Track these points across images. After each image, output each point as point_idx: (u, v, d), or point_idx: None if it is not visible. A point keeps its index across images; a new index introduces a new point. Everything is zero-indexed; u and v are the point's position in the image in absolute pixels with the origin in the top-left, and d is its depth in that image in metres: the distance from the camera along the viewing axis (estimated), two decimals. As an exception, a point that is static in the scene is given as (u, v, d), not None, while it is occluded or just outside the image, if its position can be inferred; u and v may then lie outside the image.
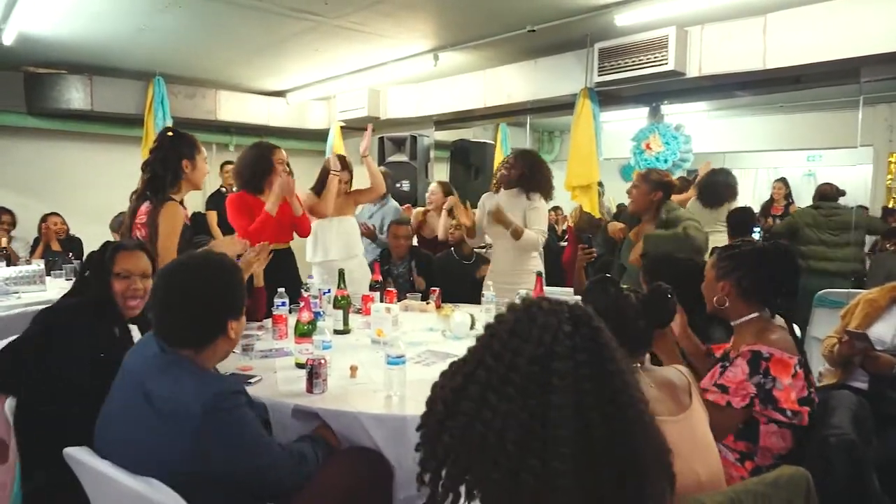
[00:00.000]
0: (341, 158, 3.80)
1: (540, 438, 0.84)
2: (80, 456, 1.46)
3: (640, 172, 3.39)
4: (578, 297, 1.58)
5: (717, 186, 4.65)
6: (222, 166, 6.14)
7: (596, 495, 0.85)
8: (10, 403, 1.74)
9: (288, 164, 3.40)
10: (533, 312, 0.93)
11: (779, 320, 1.90)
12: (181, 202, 2.70)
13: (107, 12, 4.10)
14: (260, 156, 3.33)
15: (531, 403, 0.85)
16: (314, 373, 1.95)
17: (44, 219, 5.22)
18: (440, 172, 6.93)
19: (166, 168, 2.65)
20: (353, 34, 4.56)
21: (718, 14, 3.82)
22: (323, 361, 1.98)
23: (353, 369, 2.19)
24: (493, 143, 6.61)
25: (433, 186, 4.84)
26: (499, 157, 6.51)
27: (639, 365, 1.54)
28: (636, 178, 3.32)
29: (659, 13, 3.72)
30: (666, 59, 3.90)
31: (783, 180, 6.07)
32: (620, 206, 5.00)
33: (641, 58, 4.02)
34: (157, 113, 5.78)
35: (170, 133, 2.78)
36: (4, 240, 4.70)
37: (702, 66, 3.97)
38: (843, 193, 4.77)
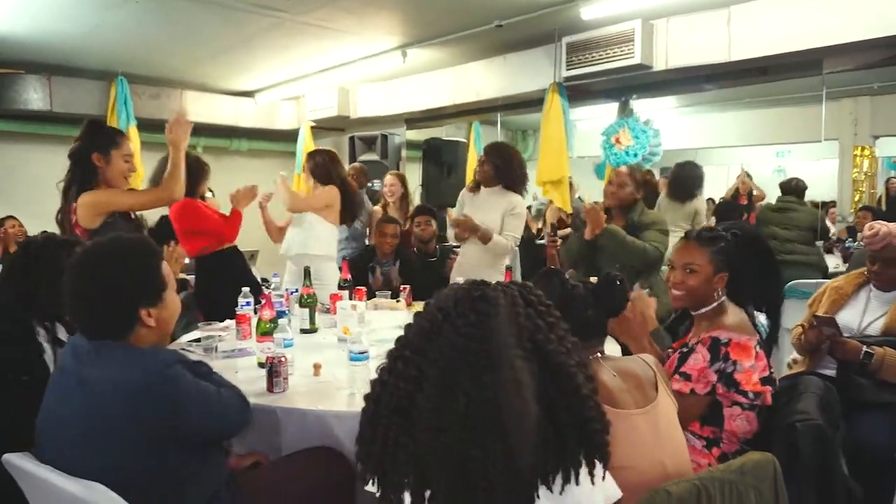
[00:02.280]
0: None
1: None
2: (19, 462, 1.38)
3: (623, 171, 3.29)
4: None
5: (685, 180, 4.67)
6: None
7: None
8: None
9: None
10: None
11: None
12: None
13: (60, 8, 3.98)
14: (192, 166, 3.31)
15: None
16: (274, 371, 1.89)
17: (0, 223, 5.04)
18: (412, 171, 6.88)
19: (76, 160, 2.50)
20: (319, 31, 4.50)
21: (683, 7, 3.84)
22: (283, 359, 1.92)
23: (317, 368, 2.13)
24: (465, 140, 6.59)
25: (389, 178, 4.80)
26: (472, 155, 6.48)
27: (599, 355, 1.51)
28: (620, 175, 3.22)
29: (624, 6, 3.73)
30: (633, 53, 3.91)
31: (747, 174, 6.16)
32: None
33: (609, 51, 4.02)
34: (121, 114, 5.64)
35: (90, 123, 2.60)
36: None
37: (668, 58, 3.98)
38: (802, 188, 4.76)
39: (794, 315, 4.02)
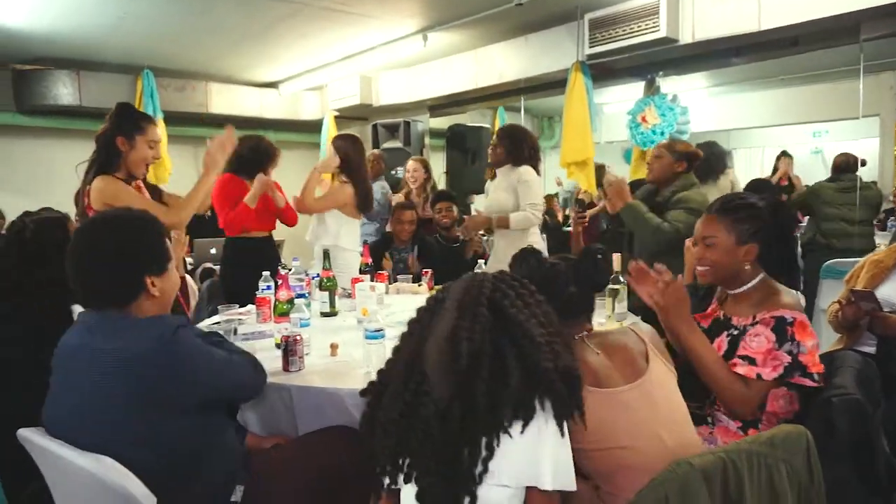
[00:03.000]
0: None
1: None
2: (32, 437, 1.38)
3: (662, 143, 3.19)
4: None
5: (708, 159, 4.48)
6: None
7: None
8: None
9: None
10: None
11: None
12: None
13: (84, 1, 4.02)
14: (263, 147, 3.48)
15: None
16: (290, 349, 1.87)
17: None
18: (436, 159, 6.84)
19: (101, 142, 2.47)
20: (339, 16, 4.47)
21: (711, -24, 3.70)
22: (299, 338, 1.89)
23: (334, 347, 2.10)
24: (489, 127, 6.51)
25: (412, 163, 4.74)
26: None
27: (585, 333, 1.46)
28: (658, 149, 3.11)
29: (649, -22, 3.61)
30: (658, 26, 3.78)
31: (789, 155, 5.90)
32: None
33: (633, 26, 3.90)
34: (147, 107, 5.70)
35: (119, 106, 2.56)
36: (-6, 239, 4.62)
37: (695, 31, 3.84)
38: (862, 164, 4.53)
39: (832, 296, 3.88)
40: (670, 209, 2.90)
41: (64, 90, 5.58)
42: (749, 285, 1.74)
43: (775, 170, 5.76)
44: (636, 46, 3.98)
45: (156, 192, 2.78)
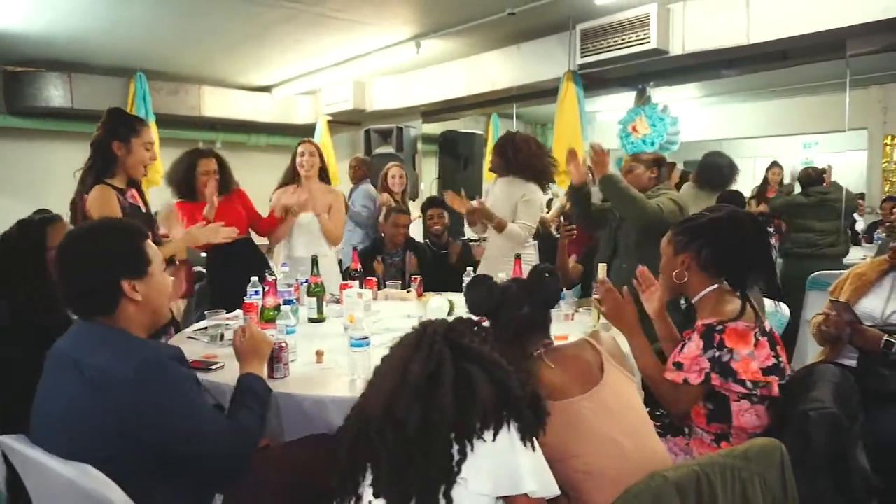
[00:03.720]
0: (311, 144, 3.63)
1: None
2: (14, 445, 1.38)
3: (629, 157, 3.23)
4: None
5: (716, 168, 4.50)
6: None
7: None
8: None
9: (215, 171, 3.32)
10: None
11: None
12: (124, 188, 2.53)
13: (78, 4, 4.03)
14: (187, 164, 3.30)
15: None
16: (275, 356, 1.88)
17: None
18: (428, 165, 6.86)
19: (96, 148, 2.48)
20: (334, 22, 4.49)
21: (701, -11, 3.74)
22: (284, 345, 1.90)
23: (319, 354, 2.11)
24: (481, 133, 6.54)
25: (397, 169, 4.68)
26: (490, 148, 6.44)
27: (542, 350, 1.50)
28: (627, 164, 3.13)
29: (640, -10, 3.65)
30: (648, 38, 3.82)
31: (778, 164, 5.96)
32: None
33: (624, 37, 3.94)
34: (140, 110, 5.68)
35: (111, 111, 2.57)
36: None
37: (685, 43, 3.89)
38: (821, 173, 4.61)
39: (818, 308, 3.91)
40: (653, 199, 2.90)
41: (55, 92, 5.57)
42: (701, 294, 1.79)
43: (765, 180, 5.80)
44: (627, 57, 4.02)
45: (150, 220, 2.74)
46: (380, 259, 4.03)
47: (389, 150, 5.89)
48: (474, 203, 3.35)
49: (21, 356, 1.76)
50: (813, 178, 4.56)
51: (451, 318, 1.30)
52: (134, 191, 2.61)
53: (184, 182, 3.29)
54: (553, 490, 1.13)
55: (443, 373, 1.12)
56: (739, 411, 1.64)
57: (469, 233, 4.65)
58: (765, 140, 8.83)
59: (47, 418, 1.38)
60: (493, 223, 3.30)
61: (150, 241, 1.51)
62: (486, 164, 6.05)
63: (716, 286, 1.77)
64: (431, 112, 6.35)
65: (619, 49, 3.98)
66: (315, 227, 3.57)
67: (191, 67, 5.83)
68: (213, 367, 2.02)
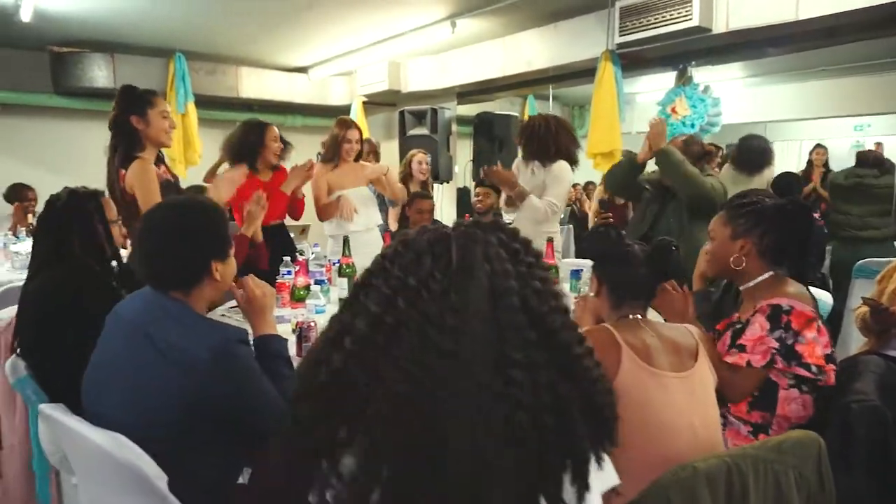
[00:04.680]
0: (356, 130, 3.63)
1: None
2: (51, 413, 1.42)
3: (678, 142, 3.15)
4: None
5: (753, 151, 4.40)
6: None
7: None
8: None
9: (281, 138, 3.30)
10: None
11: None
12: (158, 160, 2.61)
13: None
14: (251, 132, 3.23)
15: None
16: (304, 336, 1.91)
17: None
18: (463, 147, 6.81)
19: (117, 127, 2.54)
20: (370, 1, 4.46)
21: (747, -37, 3.58)
22: (312, 324, 1.93)
23: (349, 334, 2.12)
24: (517, 115, 6.45)
25: (421, 156, 4.55)
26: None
27: (639, 316, 1.48)
28: (675, 144, 3.11)
29: (683, -35, 3.51)
30: (690, 15, 3.68)
31: (822, 146, 5.75)
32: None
33: (665, 14, 3.80)
34: (179, 90, 5.78)
35: (122, 89, 2.61)
36: (30, 216, 4.77)
37: (729, 20, 3.73)
38: (881, 161, 4.44)
39: (864, 295, 3.78)
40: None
41: (99, 73, 5.69)
42: (756, 281, 1.74)
43: (809, 163, 5.61)
44: (668, 35, 3.88)
45: (173, 186, 2.74)
46: None
47: (424, 131, 5.85)
48: (498, 168, 3.29)
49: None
50: (862, 160, 4.40)
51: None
52: (164, 167, 2.67)
53: (250, 150, 3.20)
54: (612, 480, 0.88)
55: (543, 410, 0.77)
56: (787, 399, 1.59)
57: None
58: (811, 122, 8.51)
59: (111, 385, 1.40)
60: (514, 192, 3.21)
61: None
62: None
63: (771, 273, 1.72)
64: (466, 93, 6.28)
65: (660, 27, 3.85)
66: (359, 201, 3.57)
67: (228, 48, 5.88)
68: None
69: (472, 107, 6.62)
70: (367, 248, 3.39)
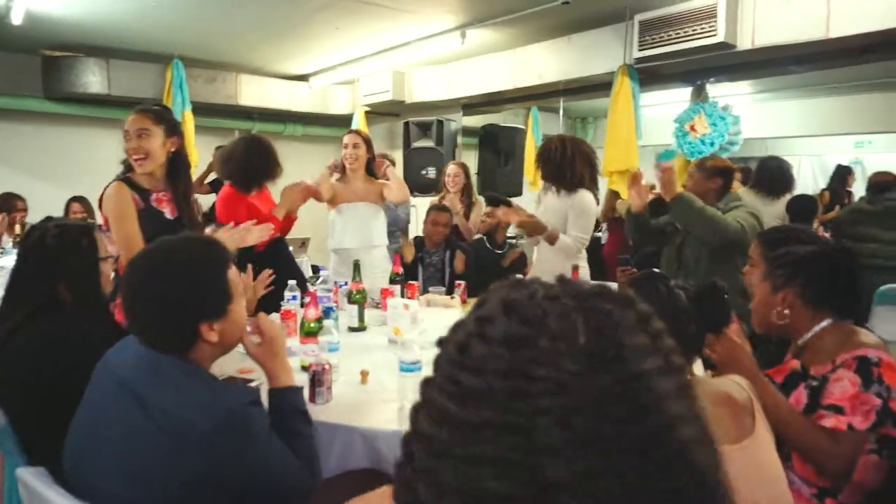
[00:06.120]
0: (356, 135, 3.72)
1: None
2: (31, 481, 1.23)
3: (694, 161, 3.06)
4: None
5: (775, 173, 4.28)
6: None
7: None
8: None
9: None
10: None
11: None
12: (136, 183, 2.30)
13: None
14: (262, 154, 3.06)
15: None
16: (317, 380, 1.71)
17: (68, 204, 5.06)
18: (468, 159, 6.63)
19: None
20: (375, 9, 4.30)
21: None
22: (327, 367, 1.74)
23: (364, 375, 1.94)
24: (523, 127, 6.30)
25: (453, 168, 4.53)
26: (530, 143, 6.21)
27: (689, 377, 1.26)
28: (690, 167, 2.98)
29: (707, -21, 3.37)
30: (715, 31, 3.53)
31: (850, 169, 5.57)
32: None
33: (687, 29, 3.65)
34: (176, 97, 5.59)
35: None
36: (18, 227, 4.54)
37: (755, 37, 3.59)
38: (893, 178, 4.29)
39: (887, 323, 3.63)
40: (727, 213, 2.80)
41: (93, 78, 5.48)
42: (814, 331, 1.56)
43: (842, 182, 5.47)
44: (690, 51, 3.73)
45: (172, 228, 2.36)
46: (420, 259, 3.87)
47: (429, 143, 5.68)
48: (523, 215, 3.16)
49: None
50: (883, 184, 4.25)
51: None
52: (162, 195, 2.37)
53: (266, 171, 3.09)
54: None
55: None
56: (867, 465, 1.41)
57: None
58: (812, 139, 8.43)
59: (99, 449, 1.21)
60: (544, 236, 3.11)
61: (233, 269, 1.33)
62: (528, 159, 5.86)
63: (828, 321, 1.54)
64: (473, 105, 6.13)
65: (682, 42, 3.70)
66: (364, 216, 3.51)
67: (228, 54, 5.70)
68: (251, 383, 1.86)
69: (476, 118, 6.47)
70: (371, 270, 3.25)
